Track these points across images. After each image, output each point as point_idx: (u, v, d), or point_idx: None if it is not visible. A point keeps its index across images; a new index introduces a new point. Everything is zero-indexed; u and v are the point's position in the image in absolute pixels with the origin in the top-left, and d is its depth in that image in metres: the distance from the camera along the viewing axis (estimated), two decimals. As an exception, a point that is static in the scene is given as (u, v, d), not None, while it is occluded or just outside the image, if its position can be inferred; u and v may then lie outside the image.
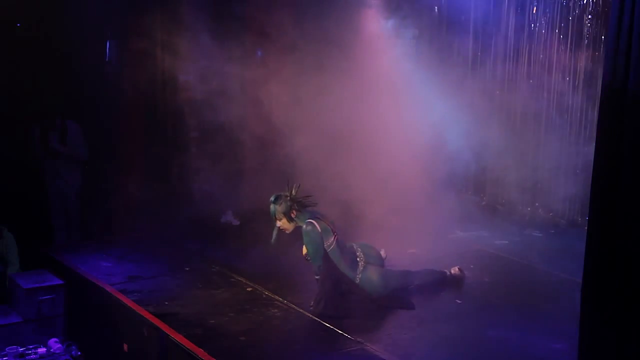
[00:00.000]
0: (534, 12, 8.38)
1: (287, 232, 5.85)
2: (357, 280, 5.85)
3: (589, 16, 7.96)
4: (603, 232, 3.89)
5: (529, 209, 8.62)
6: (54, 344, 6.04)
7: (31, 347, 5.93)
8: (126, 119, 8.23)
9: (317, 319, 5.58)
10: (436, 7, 9.18)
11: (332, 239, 5.77)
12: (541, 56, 8.37)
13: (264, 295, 6.10)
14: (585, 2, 7.98)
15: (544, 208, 8.52)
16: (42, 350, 5.93)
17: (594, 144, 4.01)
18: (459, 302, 5.99)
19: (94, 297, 6.35)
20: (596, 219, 3.96)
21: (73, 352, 5.98)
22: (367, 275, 5.86)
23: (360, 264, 5.88)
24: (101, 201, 7.87)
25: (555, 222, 8.32)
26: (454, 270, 6.35)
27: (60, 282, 6.46)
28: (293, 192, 5.82)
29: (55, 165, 7.79)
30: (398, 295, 5.94)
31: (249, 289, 6.22)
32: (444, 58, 8.87)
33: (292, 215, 5.80)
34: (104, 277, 6.52)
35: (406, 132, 7.66)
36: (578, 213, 8.14)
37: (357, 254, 5.94)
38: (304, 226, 5.77)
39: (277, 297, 6.02)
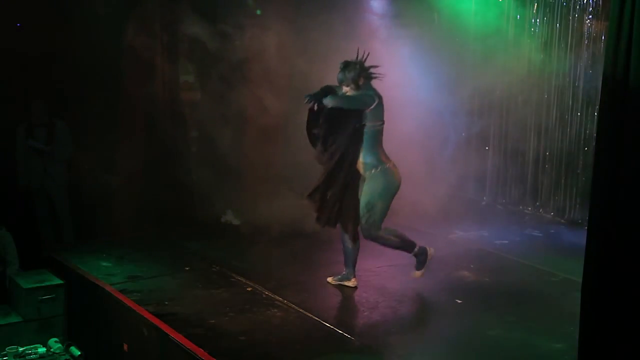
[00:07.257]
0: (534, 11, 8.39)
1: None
2: (366, 175, 5.84)
3: (589, 16, 7.96)
4: (603, 232, 3.88)
5: (529, 208, 8.61)
6: (54, 344, 6.04)
7: (31, 347, 5.93)
8: (125, 118, 8.22)
9: (317, 318, 5.58)
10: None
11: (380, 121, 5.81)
12: (542, 55, 8.36)
13: (264, 295, 6.09)
14: (585, 2, 7.98)
15: (544, 208, 8.51)
16: (42, 350, 5.93)
17: (594, 144, 4.01)
18: (459, 302, 5.98)
19: (94, 297, 6.34)
20: (596, 219, 3.95)
21: (73, 352, 5.98)
22: (382, 176, 5.83)
23: (387, 164, 5.88)
24: (99, 201, 7.85)
25: (555, 222, 8.31)
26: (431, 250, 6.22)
27: (60, 282, 6.46)
28: (362, 58, 5.81)
29: (41, 163, 7.74)
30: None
31: (249, 289, 6.22)
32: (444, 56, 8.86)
33: (360, 83, 5.81)
34: (104, 277, 6.52)
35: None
36: (578, 213, 8.13)
37: (390, 158, 5.93)
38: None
39: (277, 297, 6.02)
